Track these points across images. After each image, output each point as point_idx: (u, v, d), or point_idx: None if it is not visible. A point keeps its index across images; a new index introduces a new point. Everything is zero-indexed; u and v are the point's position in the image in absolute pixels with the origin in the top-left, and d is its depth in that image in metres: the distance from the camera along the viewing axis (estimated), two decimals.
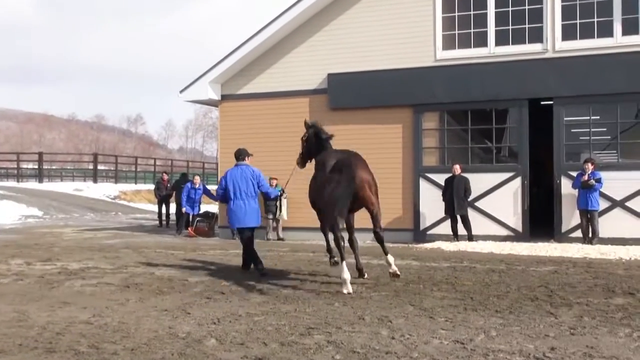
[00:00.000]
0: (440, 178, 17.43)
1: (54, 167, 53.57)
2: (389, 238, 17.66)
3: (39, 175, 41.48)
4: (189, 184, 20.88)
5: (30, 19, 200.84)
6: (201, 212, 21.12)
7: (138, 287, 9.82)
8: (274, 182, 18.44)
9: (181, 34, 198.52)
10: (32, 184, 40.07)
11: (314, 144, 11.61)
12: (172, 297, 9.03)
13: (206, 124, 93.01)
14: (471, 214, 16.89)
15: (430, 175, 17.65)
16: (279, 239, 18.52)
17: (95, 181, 43.81)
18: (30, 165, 54.24)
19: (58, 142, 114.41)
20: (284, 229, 18.75)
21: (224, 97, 19.90)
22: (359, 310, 8.08)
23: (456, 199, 16.57)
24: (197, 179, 20.88)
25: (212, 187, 44.23)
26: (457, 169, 16.81)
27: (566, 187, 16.55)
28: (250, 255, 11.61)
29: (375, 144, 17.99)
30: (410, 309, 8.17)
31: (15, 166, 44.59)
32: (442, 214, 17.32)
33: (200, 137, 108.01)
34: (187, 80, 20.52)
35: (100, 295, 9.23)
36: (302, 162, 11.90)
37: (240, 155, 11.96)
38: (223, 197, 11.76)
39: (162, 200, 24.15)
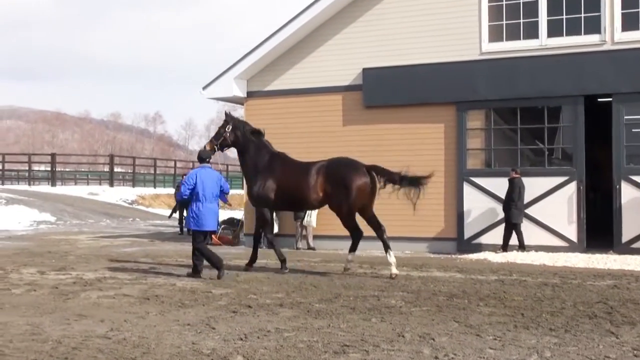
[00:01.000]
0: (486, 182, 17.30)
1: (67, 170, 54.36)
2: (430, 247, 17.62)
3: (52, 178, 42.05)
4: None
5: (42, 13, 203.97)
6: (225, 218, 21.23)
7: (159, 299, 9.89)
8: None
9: (204, 26, 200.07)
10: (44, 188, 40.63)
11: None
12: (195, 311, 9.08)
13: None
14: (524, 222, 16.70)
15: (475, 179, 17.53)
16: (309, 248, 18.53)
17: (111, 184, 44.31)
18: (42, 168, 55.05)
19: (71, 142, 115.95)
20: (314, 237, 18.74)
21: (250, 94, 19.99)
22: (398, 327, 8.04)
23: (507, 204, 16.42)
24: None
25: (236, 191, 44.47)
26: (511, 172, 16.62)
27: (627, 192, 16.32)
28: (211, 259, 12.28)
29: (415, 145, 17.93)
30: (454, 326, 8.12)
31: (27, 168, 45.22)
32: (487, 222, 17.20)
33: None
34: (209, 76, 20.63)
35: (118, 307, 9.31)
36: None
37: (207, 156, 12.90)
38: (189, 197, 12.36)
39: (183, 205, 24.29)
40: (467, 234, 17.50)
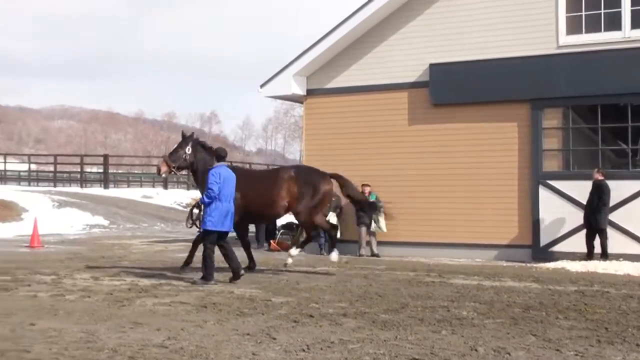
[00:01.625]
0: (564, 185, 17.00)
1: (120, 171, 55.39)
2: (503, 255, 17.40)
3: (104, 180, 42.83)
4: None
5: (95, 9, 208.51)
6: (284, 223, 21.32)
7: (216, 307, 9.97)
8: (367, 190, 18.42)
9: (261, 21, 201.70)
10: (96, 190, 41.45)
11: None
12: (254, 320, 9.12)
13: (287, 123, 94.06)
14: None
15: (552, 182, 17.23)
16: (373, 254, 18.48)
17: (165, 187, 44.93)
18: (95, 169, 56.21)
19: (124, 142, 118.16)
20: (379, 243, 18.67)
21: (310, 92, 20.06)
22: (470, 340, 7.94)
23: (590, 209, 16.10)
24: None
25: None
26: (595, 174, 16.29)
27: None
28: (208, 266, 12.52)
29: (485, 145, 17.73)
30: (531, 340, 7.98)
31: (79, 170, 46.18)
32: (566, 228, 16.90)
33: (281, 137, 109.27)
34: (267, 74, 20.83)
35: (174, 315, 9.42)
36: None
37: (226, 154, 13.10)
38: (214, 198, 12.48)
39: None
40: (544, 241, 17.21)
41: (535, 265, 16.11)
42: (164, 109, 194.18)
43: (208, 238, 12.59)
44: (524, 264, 16.34)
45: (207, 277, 12.43)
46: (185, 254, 18.18)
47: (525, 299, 10.91)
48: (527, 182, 17.49)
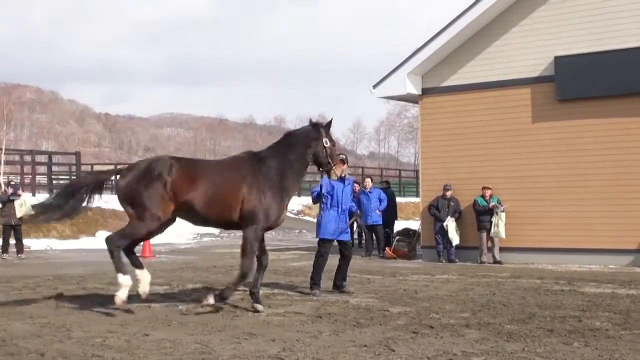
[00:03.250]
0: None
1: None
2: (639, 261, 16.84)
3: None
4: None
5: (202, 14, 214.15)
6: (400, 229, 21.30)
7: (332, 318, 10.05)
8: (488, 193, 18.19)
9: (372, 17, 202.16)
10: None
11: None
12: (371, 330, 9.15)
13: (401, 124, 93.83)
14: None
15: None
16: (496, 261, 18.20)
17: None
18: None
19: (234, 149, 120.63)
20: (501, 249, 18.38)
21: (425, 91, 19.96)
22: (605, 353, 7.72)
23: None
24: (368, 182, 21.11)
25: (410, 199, 44.41)
26: None
27: None
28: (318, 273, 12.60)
29: (618, 142, 17.21)
30: None
31: None
32: None
33: (395, 139, 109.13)
34: (378, 74, 20.84)
35: (289, 326, 9.55)
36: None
37: None
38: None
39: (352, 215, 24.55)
40: None
41: None
42: (273, 113, 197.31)
43: (327, 248, 12.84)
44: None
45: (314, 283, 12.67)
46: (298, 263, 18.44)
47: None
48: None
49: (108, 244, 10.70)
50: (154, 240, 23.22)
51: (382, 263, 18.70)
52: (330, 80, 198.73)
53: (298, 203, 41.72)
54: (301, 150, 10.96)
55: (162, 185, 10.39)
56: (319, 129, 11.09)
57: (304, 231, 33.64)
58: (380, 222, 20.77)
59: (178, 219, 11.15)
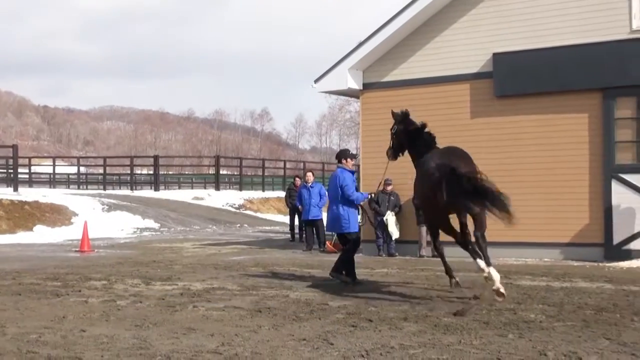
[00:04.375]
0: (639, 179, 16.68)
1: (170, 173, 56.19)
2: (573, 254, 17.17)
3: (155, 182, 43.45)
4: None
5: (141, 8, 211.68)
6: None
7: (271, 312, 10.06)
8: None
9: (315, 13, 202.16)
10: (147, 192, 42.13)
11: (407, 139, 12.70)
12: (311, 324, 9.18)
13: (342, 119, 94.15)
14: None
15: (626, 176, 16.93)
16: (435, 255, 18.34)
17: (217, 188, 45.39)
18: (145, 171, 57.10)
19: (174, 143, 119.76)
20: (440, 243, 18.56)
21: (367, 86, 20.06)
22: (539, 344, 7.87)
23: None
24: (309, 176, 21.35)
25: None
26: None
27: None
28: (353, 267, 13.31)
29: (553, 138, 17.52)
30: (605, 344, 7.88)
31: (129, 172, 46.95)
32: None
33: (336, 134, 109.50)
34: (321, 68, 20.88)
35: (228, 320, 9.54)
36: (393, 155, 13.05)
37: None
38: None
39: (295, 209, 24.60)
40: (617, 238, 16.91)
41: (608, 264, 15.87)
42: (214, 107, 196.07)
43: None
44: (595, 264, 16.11)
45: (352, 278, 13.17)
46: (239, 257, 18.40)
47: (598, 301, 10.76)
48: (598, 177, 17.21)
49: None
50: (93, 234, 23.00)
51: (323, 257, 18.77)
52: (272, 74, 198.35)
53: (239, 197, 41.63)
54: None
55: None
56: None
57: (246, 225, 33.57)
58: (321, 217, 20.85)
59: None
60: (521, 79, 17.87)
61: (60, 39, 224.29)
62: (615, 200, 16.99)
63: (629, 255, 16.51)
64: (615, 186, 17.01)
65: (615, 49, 16.92)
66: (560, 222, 17.39)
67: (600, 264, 16.00)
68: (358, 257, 18.59)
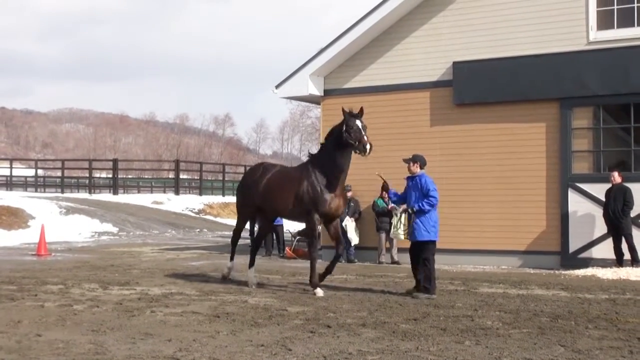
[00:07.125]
0: (594, 189, 16.91)
1: (130, 177, 55.70)
2: (530, 262, 17.35)
3: (114, 186, 43.10)
4: None
5: (101, 9, 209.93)
6: (301, 229, 21.36)
7: (229, 318, 10.03)
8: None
9: (277, 19, 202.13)
10: (105, 196, 41.70)
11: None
12: (269, 330, 9.17)
13: (304, 125, 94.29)
14: (636, 233, 16.27)
15: (582, 186, 17.16)
16: (394, 262, 18.46)
17: (177, 192, 45.12)
18: (104, 175, 56.58)
19: (134, 147, 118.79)
20: (399, 250, 18.65)
21: (328, 93, 20.10)
22: (495, 351, 7.95)
23: (614, 214, 16.05)
24: None
25: None
26: (616, 177, 16.28)
27: None
28: (433, 276, 12.26)
29: (512, 147, 17.70)
30: (560, 351, 7.97)
31: (87, 175, 46.49)
32: (597, 234, 16.82)
33: (297, 140, 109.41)
34: (282, 74, 20.86)
35: (186, 326, 9.48)
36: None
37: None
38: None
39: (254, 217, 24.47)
40: (573, 247, 17.13)
41: (564, 272, 16.04)
42: (175, 111, 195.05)
43: (433, 249, 12.45)
44: (552, 271, 16.28)
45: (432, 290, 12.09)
46: (198, 262, 18.30)
47: (554, 308, 10.88)
48: (555, 185, 17.42)
49: None
50: (50, 238, 22.71)
51: (282, 263, 18.76)
52: (234, 79, 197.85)
53: (199, 202, 41.41)
54: None
55: None
56: None
57: (205, 230, 33.40)
58: (281, 222, 20.79)
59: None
60: (480, 87, 18.04)
61: (19, 40, 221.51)
62: (571, 209, 17.21)
63: (584, 263, 16.72)
64: (572, 195, 17.23)
65: (573, 60, 17.17)
66: (517, 230, 17.57)
67: (557, 272, 16.18)
68: (317, 263, 18.61)
